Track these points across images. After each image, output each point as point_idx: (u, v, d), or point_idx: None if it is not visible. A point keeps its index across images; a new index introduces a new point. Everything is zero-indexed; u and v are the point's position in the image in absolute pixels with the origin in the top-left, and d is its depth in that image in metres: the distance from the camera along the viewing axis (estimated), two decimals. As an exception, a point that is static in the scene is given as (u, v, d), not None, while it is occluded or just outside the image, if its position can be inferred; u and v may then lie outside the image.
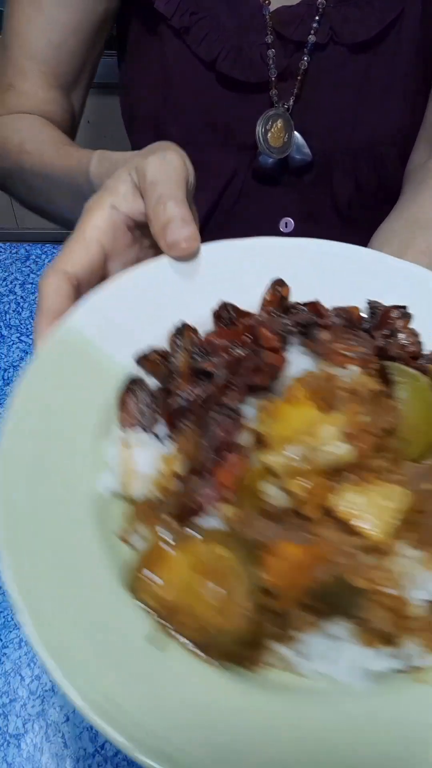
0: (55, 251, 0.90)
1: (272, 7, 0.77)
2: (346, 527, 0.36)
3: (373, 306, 0.50)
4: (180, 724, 0.32)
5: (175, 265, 0.50)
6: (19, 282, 0.85)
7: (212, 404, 0.41)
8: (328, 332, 0.45)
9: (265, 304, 0.50)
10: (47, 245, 0.92)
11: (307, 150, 0.84)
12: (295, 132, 0.83)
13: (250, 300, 0.50)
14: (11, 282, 0.85)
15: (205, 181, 0.88)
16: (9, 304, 0.82)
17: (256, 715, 0.33)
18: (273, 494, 0.37)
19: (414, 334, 0.48)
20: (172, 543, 0.36)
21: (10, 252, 0.90)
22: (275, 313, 0.49)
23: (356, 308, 0.49)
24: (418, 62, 0.80)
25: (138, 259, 0.52)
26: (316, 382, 0.40)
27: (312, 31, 0.77)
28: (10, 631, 0.51)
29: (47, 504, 0.38)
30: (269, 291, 0.51)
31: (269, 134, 0.81)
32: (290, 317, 0.48)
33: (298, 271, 0.51)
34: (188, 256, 0.50)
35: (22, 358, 0.74)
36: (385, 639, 0.35)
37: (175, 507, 0.38)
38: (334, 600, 0.35)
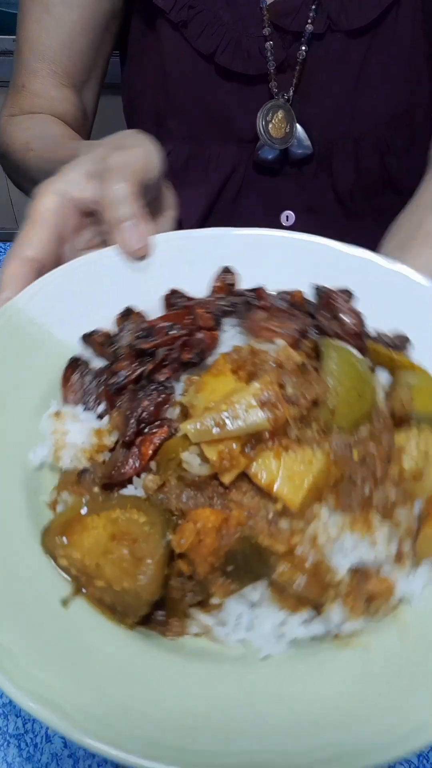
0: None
1: (269, 0, 0.77)
2: (262, 492, 0.36)
3: (318, 290, 0.51)
4: (89, 687, 0.32)
5: (120, 261, 0.51)
6: (18, 284, 0.85)
7: (144, 381, 0.43)
8: (265, 312, 0.47)
9: (215, 291, 0.51)
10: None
11: (308, 143, 0.84)
12: (297, 124, 0.82)
13: (203, 288, 0.52)
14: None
15: (206, 175, 0.88)
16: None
17: (168, 681, 0.33)
18: (192, 463, 0.38)
19: (356, 314, 0.49)
20: (90, 509, 0.37)
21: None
22: (218, 297, 0.50)
23: (299, 292, 0.50)
24: (419, 42, 0.79)
25: (91, 244, 0.53)
26: (241, 356, 0.42)
27: (309, 21, 0.76)
28: None
29: None
30: (218, 278, 0.52)
31: (270, 126, 0.81)
32: (228, 299, 0.49)
33: (252, 260, 0.53)
34: (141, 257, 0.51)
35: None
36: (307, 604, 0.35)
37: (100, 476, 0.40)
38: (250, 564, 0.35)
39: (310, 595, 0.35)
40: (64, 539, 0.36)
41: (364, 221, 0.94)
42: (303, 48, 0.78)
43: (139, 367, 0.44)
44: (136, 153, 0.52)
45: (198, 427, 0.37)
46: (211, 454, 0.37)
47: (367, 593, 0.36)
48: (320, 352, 0.43)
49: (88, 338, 0.48)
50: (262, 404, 0.37)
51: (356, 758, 0.31)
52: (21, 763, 0.45)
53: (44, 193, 0.50)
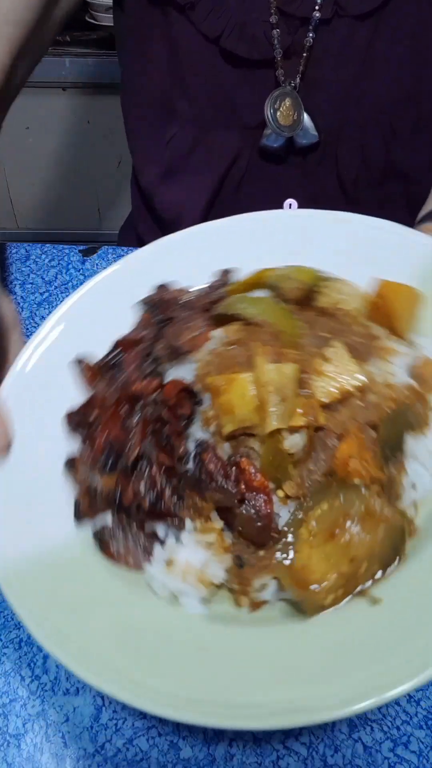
0: (54, 251, 0.90)
1: None
2: None
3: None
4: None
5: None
6: (19, 282, 0.85)
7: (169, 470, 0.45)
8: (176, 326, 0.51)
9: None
10: (47, 245, 0.91)
11: (314, 132, 0.83)
12: (304, 112, 0.82)
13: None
14: (11, 282, 0.85)
15: (210, 161, 0.87)
16: (9, 304, 0.82)
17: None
18: (294, 442, 0.42)
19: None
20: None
21: (10, 252, 0.90)
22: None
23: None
24: (425, 24, 0.78)
25: None
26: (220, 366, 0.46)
27: (316, 6, 0.75)
28: (10, 631, 0.51)
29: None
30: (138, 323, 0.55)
31: (278, 113, 0.81)
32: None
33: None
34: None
35: (22, 358, 0.74)
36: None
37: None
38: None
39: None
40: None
41: (367, 212, 0.93)
42: (310, 35, 0.77)
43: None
44: None
45: (279, 413, 0.41)
46: (299, 421, 0.41)
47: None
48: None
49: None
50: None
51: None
52: (21, 763, 0.45)
53: None
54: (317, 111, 0.82)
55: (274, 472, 0.41)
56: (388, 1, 0.75)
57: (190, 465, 0.42)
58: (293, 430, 0.41)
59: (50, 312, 0.81)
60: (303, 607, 0.39)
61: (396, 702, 0.48)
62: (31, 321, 0.79)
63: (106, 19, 1.79)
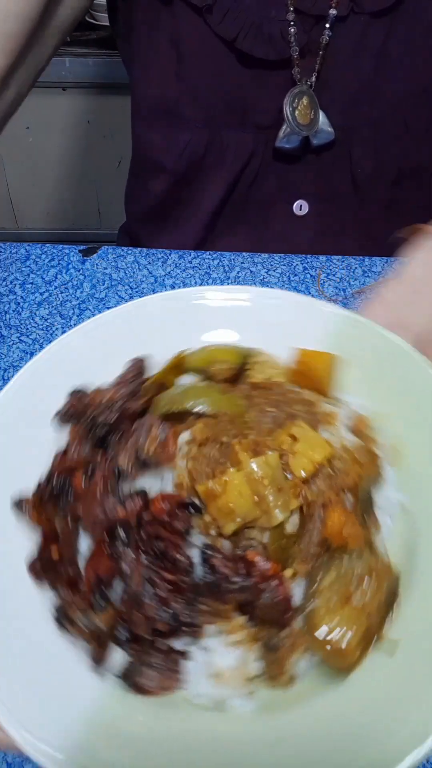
0: (54, 251, 0.90)
1: None
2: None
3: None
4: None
5: None
6: (19, 282, 0.85)
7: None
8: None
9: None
10: (47, 245, 0.92)
11: (330, 130, 0.83)
12: (320, 110, 0.82)
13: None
14: (11, 282, 0.85)
15: (222, 162, 0.87)
16: (9, 304, 0.82)
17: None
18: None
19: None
20: None
21: (10, 252, 0.90)
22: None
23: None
24: None
25: None
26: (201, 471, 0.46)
27: (333, 4, 0.75)
28: None
29: None
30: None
31: (296, 112, 0.80)
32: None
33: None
34: None
35: (22, 358, 0.74)
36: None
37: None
38: None
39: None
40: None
41: (378, 213, 0.93)
42: (326, 33, 0.76)
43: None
44: None
45: (280, 503, 0.42)
46: (295, 504, 0.43)
47: None
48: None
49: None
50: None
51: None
52: (21, 763, 0.45)
53: None
54: (332, 109, 0.82)
55: (282, 556, 0.42)
56: None
57: (199, 573, 0.41)
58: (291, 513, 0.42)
59: (50, 312, 0.82)
60: (337, 666, 0.40)
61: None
62: (31, 321, 0.79)
63: (106, 19, 1.79)
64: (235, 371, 0.50)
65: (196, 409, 0.47)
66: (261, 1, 0.76)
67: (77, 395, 0.48)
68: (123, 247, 0.92)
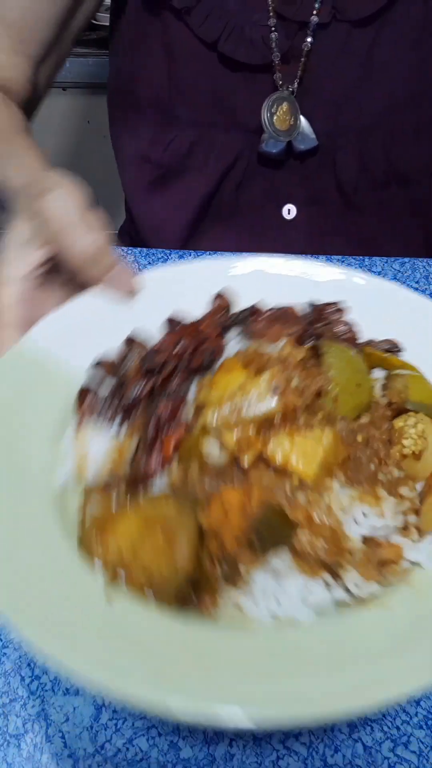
0: (55, 251, 0.90)
1: None
2: (278, 471, 0.41)
3: (312, 304, 0.55)
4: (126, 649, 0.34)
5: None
6: (19, 282, 0.85)
7: (158, 391, 0.47)
8: (263, 322, 0.51)
9: (213, 313, 0.55)
10: (47, 245, 0.91)
11: (312, 136, 0.83)
12: (301, 116, 0.82)
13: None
14: (11, 282, 0.85)
15: (208, 162, 0.87)
16: (9, 304, 0.81)
17: (203, 643, 0.35)
18: (212, 452, 0.42)
19: (348, 324, 0.53)
20: (121, 505, 0.41)
21: None
22: (215, 316, 0.54)
23: (292, 307, 0.54)
24: (426, 29, 0.78)
25: (53, 300, 0.54)
26: (248, 355, 0.46)
27: (315, 12, 0.76)
28: (10, 631, 0.51)
29: (6, 498, 0.41)
30: (213, 302, 0.56)
31: (275, 117, 0.80)
32: (226, 315, 0.54)
33: (242, 288, 0.56)
34: (133, 295, 0.54)
35: (22, 358, 0.74)
36: (326, 568, 0.39)
37: (126, 480, 0.42)
38: (273, 533, 0.39)
39: (329, 559, 0.38)
40: (98, 536, 0.39)
41: (367, 215, 0.92)
42: (308, 39, 0.77)
43: (149, 382, 0.47)
44: (75, 197, 0.52)
45: (217, 415, 0.42)
46: (230, 439, 0.41)
47: (379, 558, 0.39)
48: (319, 352, 0.47)
49: (98, 366, 0.50)
50: (273, 391, 0.42)
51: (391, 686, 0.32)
52: (21, 763, 0.45)
53: (2, 284, 0.51)
54: (315, 116, 0.82)
55: (182, 451, 0.43)
56: (386, 6, 0.75)
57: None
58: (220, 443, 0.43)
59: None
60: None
61: (396, 702, 0.48)
62: (31, 321, 0.79)
63: (106, 19, 1.79)
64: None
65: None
66: (243, 4, 0.76)
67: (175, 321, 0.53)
68: (123, 247, 0.92)
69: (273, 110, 0.80)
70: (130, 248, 0.91)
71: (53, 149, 2.02)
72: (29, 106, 0.85)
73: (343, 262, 0.89)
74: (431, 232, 0.97)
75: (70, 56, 1.75)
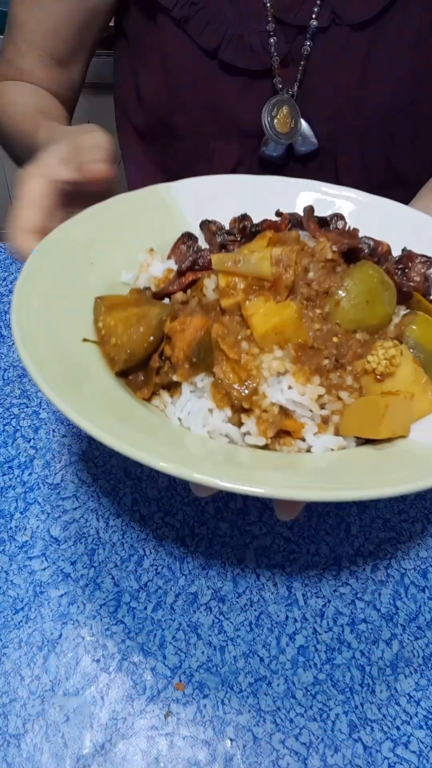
0: (55, 251, 0.90)
1: None
2: (243, 322, 0.48)
3: (405, 250, 0.58)
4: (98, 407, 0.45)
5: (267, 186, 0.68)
6: (19, 282, 0.85)
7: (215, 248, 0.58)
8: (335, 233, 0.55)
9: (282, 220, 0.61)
10: (47, 245, 0.91)
11: (313, 139, 0.83)
12: (302, 119, 0.82)
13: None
14: (11, 282, 0.85)
15: (210, 170, 0.87)
16: (9, 304, 0.82)
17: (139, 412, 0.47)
18: (209, 287, 0.52)
19: (425, 276, 0.56)
20: (135, 299, 0.53)
21: (10, 252, 0.90)
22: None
23: (386, 244, 0.59)
24: (425, 32, 0.78)
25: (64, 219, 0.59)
26: (284, 236, 0.53)
27: (313, 15, 0.76)
28: (10, 631, 0.51)
29: (72, 271, 0.54)
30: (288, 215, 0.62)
31: (275, 121, 0.81)
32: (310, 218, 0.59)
33: (368, 222, 0.63)
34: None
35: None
36: (231, 405, 0.46)
37: (154, 291, 0.55)
38: (207, 358, 0.47)
39: (235, 395, 0.46)
40: (105, 309, 0.51)
41: None
42: (307, 43, 0.77)
43: (217, 242, 0.59)
44: (100, 136, 0.62)
45: (221, 258, 0.50)
46: (222, 281, 0.49)
47: (280, 425, 0.45)
48: (353, 264, 0.51)
49: (205, 224, 0.63)
50: (274, 261, 0.48)
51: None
52: (21, 763, 0.45)
53: (31, 177, 0.59)
54: (316, 118, 0.82)
55: (195, 288, 0.54)
56: (385, 10, 0.75)
57: None
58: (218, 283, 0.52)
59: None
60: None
61: (396, 702, 0.48)
62: (31, 321, 0.79)
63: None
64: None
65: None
66: (240, 12, 0.76)
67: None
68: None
69: (273, 113, 0.81)
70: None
71: (53, 149, 2.01)
72: (70, 104, 0.94)
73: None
74: None
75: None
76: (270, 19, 0.76)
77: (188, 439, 0.46)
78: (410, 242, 0.59)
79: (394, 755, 0.45)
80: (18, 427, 0.66)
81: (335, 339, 0.47)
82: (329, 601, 0.53)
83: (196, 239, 0.61)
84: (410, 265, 0.56)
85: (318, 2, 0.75)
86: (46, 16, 0.83)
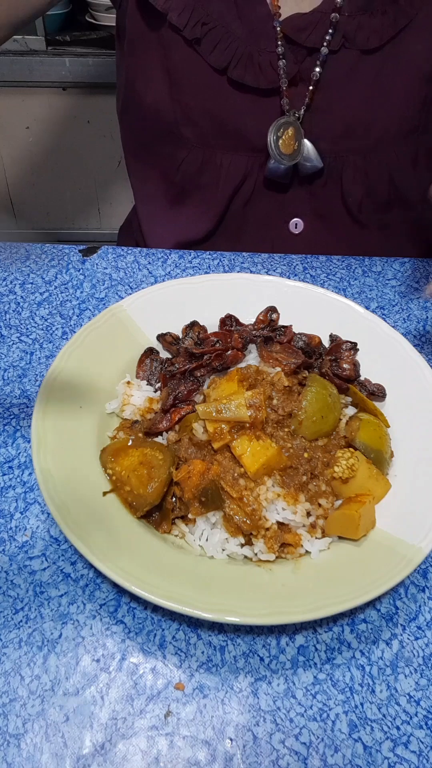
0: (54, 251, 0.90)
1: (284, 15, 0.77)
2: (235, 459, 0.56)
3: (333, 337, 0.72)
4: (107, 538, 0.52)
5: (202, 287, 0.75)
6: (19, 282, 0.85)
7: (187, 373, 0.65)
8: (279, 345, 0.68)
9: (257, 322, 0.73)
10: (47, 245, 0.92)
11: (317, 159, 0.84)
12: (306, 140, 0.83)
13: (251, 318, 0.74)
14: (11, 282, 0.85)
15: (218, 182, 0.88)
16: (9, 304, 0.82)
17: (158, 551, 0.53)
18: (198, 430, 0.59)
19: (353, 363, 0.68)
20: (134, 444, 0.59)
21: (10, 252, 0.90)
22: (257, 328, 0.71)
23: (318, 337, 0.71)
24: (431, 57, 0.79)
25: None
26: (248, 372, 0.62)
27: (325, 43, 0.77)
28: (10, 631, 0.51)
29: (68, 414, 0.61)
30: (263, 313, 0.73)
31: (280, 141, 0.82)
32: (260, 331, 0.70)
33: (291, 305, 0.74)
34: None
35: (21, 358, 0.74)
36: (242, 533, 0.54)
37: (144, 427, 0.62)
38: (215, 498, 0.55)
39: (245, 528, 0.54)
40: (112, 458, 0.58)
41: (372, 230, 0.94)
42: (317, 69, 0.78)
43: (188, 364, 0.65)
44: None
45: (205, 408, 0.58)
46: (210, 427, 0.57)
47: (283, 539, 0.55)
48: (306, 383, 0.61)
49: (161, 337, 0.70)
50: (249, 406, 0.57)
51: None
52: (21, 763, 0.45)
53: None
54: (322, 138, 0.83)
55: (182, 425, 0.62)
56: (394, 35, 0.76)
57: None
58: (205, 426, 0.59)
59: (50, 312, 0.82)
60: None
61: (396, 702, 0.48)
62: (31, 321, 0.79)
63: (106, 19, 1.79)
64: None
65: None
66: (251, 33, 0.77)
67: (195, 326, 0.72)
68: (123, 247, 0.92)
69: (279, 134, 0.81)
70: (130, 248, 0.91)
71: (53, 149, 2.02)
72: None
73: (342, 261, 0.89)
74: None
75: (70, 56, 1.77)
76: (280, 42, 0.77)
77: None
78: (333, 324, 0.73)
79: (394, 755, 0.45)
80: (18, 427, 0.66)
81: (306, 455, 0.57)
82: (329, 601, 0.53)
83: (157, 352, 0.68)
84: (339, 352, 0.68)
85: (331, 32, 0.76)
86: None
